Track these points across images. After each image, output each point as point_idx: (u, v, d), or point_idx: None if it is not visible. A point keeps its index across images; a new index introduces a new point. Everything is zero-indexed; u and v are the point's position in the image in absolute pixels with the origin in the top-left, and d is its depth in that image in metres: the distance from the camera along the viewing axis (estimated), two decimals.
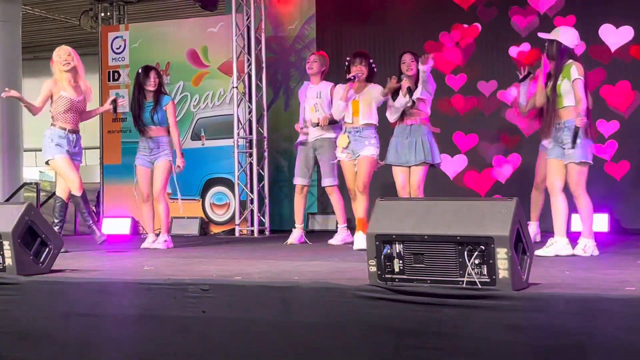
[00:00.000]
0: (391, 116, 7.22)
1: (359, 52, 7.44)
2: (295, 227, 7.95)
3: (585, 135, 5.99)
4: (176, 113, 7.87)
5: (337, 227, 7.85)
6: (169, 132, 7.60)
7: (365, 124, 7.16)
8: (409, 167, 7.13)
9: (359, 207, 7.12)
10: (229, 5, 10.14)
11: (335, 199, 7.81)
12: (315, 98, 7.82)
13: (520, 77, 6.73)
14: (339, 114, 7.29)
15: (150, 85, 7.57)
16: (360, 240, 6.81)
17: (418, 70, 7.04)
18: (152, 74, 7.60)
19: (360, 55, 7.28)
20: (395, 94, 7.13)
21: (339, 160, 7.35)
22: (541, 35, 6.30)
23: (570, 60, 6.10)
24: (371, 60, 7.25)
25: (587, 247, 6.02)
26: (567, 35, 6.17)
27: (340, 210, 7.80)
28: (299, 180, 7.97)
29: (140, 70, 7.75)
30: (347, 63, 7.30)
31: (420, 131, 7.14)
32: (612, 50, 8.82)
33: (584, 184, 6.03)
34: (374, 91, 7.19)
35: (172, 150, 7.58)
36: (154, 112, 7.51)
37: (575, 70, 6.03)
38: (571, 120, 6.01)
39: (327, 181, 7.77)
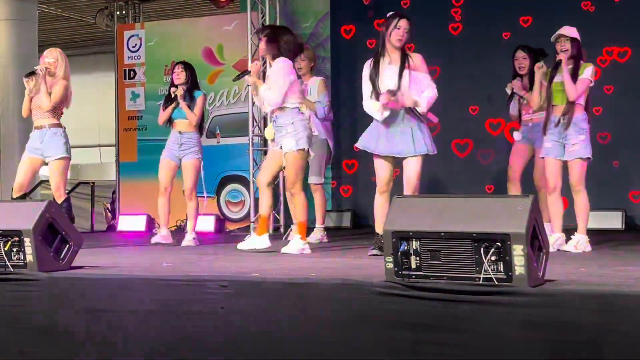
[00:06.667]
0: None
1: (259, 29, 6.50)
2: (316, 227, 7.81)
3: (588, 130, 6.07)
4: (204, 106, 7.68)
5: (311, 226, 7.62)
6: (198, 129, 7.53)
7: (275, 110, 6.12)
8: (402, 158, 5.82)
9: (297, 209, 6.27)
10: (244, 3, 10.19)
11: (318, 198, 7.78)
12: (308, 95, 7.56)
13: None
14: (261, 105, 6.52)
15: (176, 80, 7.51)
16: (291, 245, 6.22)
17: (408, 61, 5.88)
18: (177, 68, 7.57)
19: (260, 32, 6.24)
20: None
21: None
22: (567, 33, 6.09)
23: (588, 62, 6.14)
24: (274, 37, 6.18)
25: (579, 243, 6.04)
26: (577, 33, 6.18)
27: (321, 210, 7.76)
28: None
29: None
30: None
31: (410, 119, 5.81)
32: None
33: (585, 180, 6.09)
34: (277, 66, 6.07)
35: (202, 149, 7.51)
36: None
37: (591, 71, 6.08)
38: (579, 115, 6.06)
39: (313, 179, 7.74)
